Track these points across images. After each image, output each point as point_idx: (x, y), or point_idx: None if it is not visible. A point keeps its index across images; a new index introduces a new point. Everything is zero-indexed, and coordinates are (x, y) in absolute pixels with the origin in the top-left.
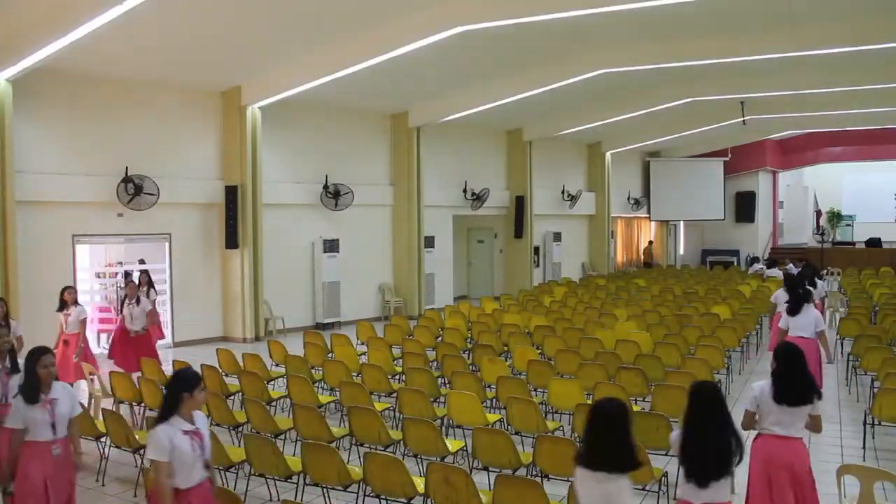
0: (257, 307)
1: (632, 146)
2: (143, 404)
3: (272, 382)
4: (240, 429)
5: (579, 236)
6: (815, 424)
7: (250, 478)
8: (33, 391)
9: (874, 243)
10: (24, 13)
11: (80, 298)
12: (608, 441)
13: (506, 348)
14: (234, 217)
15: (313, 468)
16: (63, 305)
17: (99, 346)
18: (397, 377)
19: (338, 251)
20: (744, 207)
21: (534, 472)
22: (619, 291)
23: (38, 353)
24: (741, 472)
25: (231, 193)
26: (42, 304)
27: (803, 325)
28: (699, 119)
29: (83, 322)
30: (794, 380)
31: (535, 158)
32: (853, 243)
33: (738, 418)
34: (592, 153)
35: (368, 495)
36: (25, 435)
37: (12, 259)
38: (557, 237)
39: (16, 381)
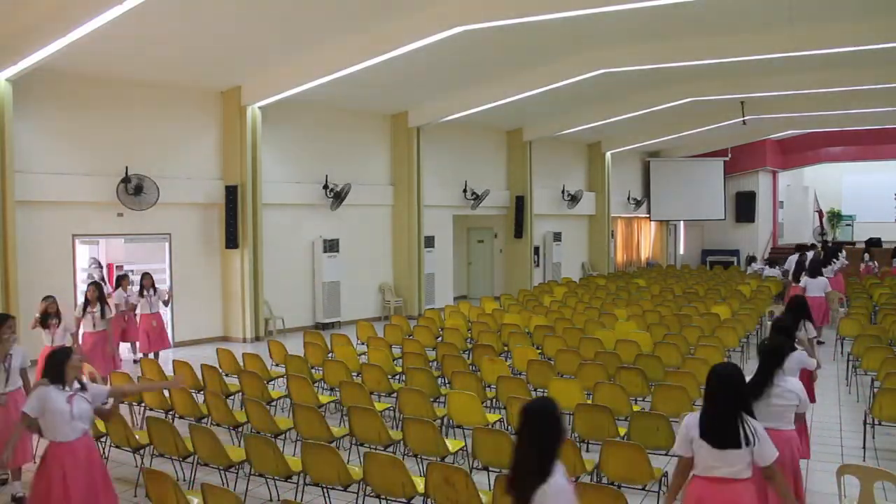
0: (257, 307)
1: (632, 146)
2: (143, 404)
3: (272, 382)
4: (240, 429)
5: (579, 236)
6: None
7: (250, 478)
8: None
9: (874, 243)
10: (24, 13)
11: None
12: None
13: (506, 348)
14: (234, 217)
15: (313, 468)
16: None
17: None
18: (397, 377)
19: (338, 251)
20: (744, 207)
21: None
22: (619, 291)
23: None
24: None
25: (231, 193)
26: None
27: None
28: (699, 119)
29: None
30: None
31: (535, 158)
32: (853, 243)
33: None
34: (592, 153)
35: (368, 495)
36: None
37: (12, 259)
38: (557, 237)
39: None
